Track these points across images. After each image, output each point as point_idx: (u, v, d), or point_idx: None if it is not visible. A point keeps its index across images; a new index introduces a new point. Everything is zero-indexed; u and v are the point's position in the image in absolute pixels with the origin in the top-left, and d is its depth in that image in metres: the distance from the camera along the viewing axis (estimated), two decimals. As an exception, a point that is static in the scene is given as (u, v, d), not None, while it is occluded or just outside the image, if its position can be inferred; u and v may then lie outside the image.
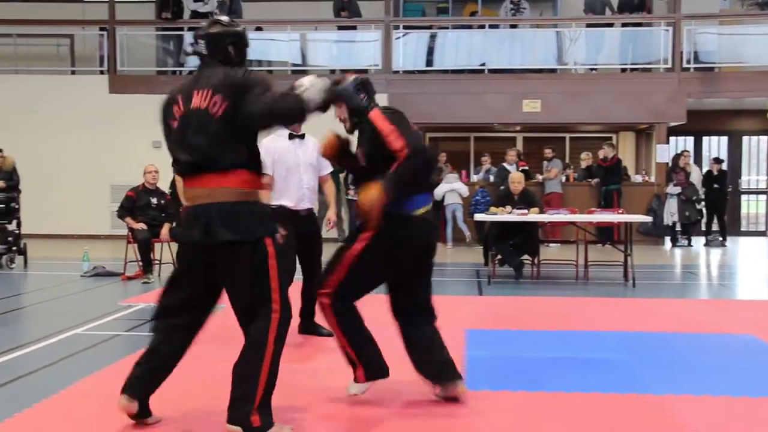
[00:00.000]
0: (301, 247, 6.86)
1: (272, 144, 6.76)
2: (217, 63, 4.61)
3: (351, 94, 5.20)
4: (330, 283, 5.19)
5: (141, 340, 7.14)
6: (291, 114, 4.64)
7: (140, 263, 11.37)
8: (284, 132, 6.80)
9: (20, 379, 6.00)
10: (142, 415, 4.71)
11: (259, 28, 19.17)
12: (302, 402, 5.25)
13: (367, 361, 5.30)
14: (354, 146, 5.50)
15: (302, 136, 7.01)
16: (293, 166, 6.86)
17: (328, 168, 7.23)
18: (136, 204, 11.43)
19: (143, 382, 4.68)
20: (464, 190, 16.51)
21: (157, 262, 11.67)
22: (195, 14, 18.96)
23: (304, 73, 18.35)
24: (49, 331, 7.76)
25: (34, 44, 19.32)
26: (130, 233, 11.38)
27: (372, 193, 4.82)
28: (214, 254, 4.49)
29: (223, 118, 4.42)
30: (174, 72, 18.83)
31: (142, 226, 11.23)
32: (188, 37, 18.72)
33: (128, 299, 9.62)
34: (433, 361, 5.32)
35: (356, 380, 5.32)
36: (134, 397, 4.63)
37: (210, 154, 4.45)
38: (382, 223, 4.92)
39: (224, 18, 4.89)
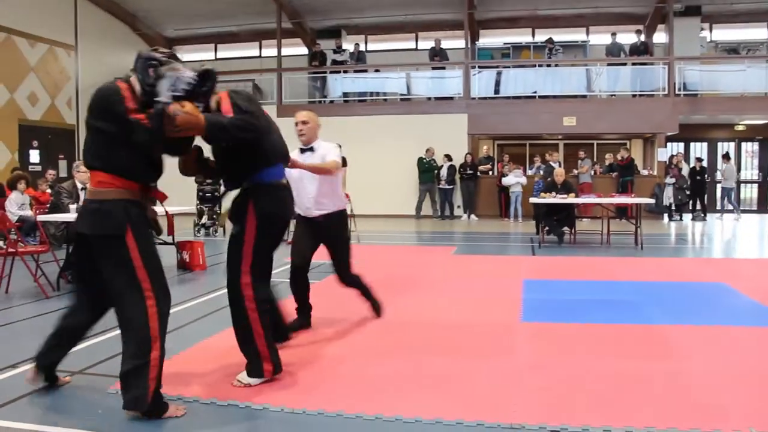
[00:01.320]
0: (327, 248, 5.36)
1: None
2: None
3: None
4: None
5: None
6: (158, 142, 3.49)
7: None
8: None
9: (226, 308, 5.80)
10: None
11: (377, 70, 19.29)
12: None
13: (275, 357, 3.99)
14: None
15: (311, 149, 5.28)
16: (297, 178, 5.11)
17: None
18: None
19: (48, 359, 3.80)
20: (524, 181, 16.43)
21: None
22: (334, 62, 19.21)
23: (408, 99, 18.48)
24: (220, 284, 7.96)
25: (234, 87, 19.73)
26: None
27: (195, 111, 3.42)
28: None
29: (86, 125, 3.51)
30: (320, 101, 19.05)
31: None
32: (330, 78, 18.99)
33: (289, 258, 9.76)
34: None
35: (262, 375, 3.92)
36: (42, 369, 3.82)
37: (85, 156, 3.58)
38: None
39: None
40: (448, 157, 17.13)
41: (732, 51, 19.19)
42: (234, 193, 4.03)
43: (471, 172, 17.07)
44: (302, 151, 5.29)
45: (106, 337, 5.02)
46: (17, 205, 10.17)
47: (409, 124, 17.49)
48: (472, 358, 4.50)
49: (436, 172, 17.24)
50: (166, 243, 8.87)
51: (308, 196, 5.24)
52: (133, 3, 19.61)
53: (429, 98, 18.62)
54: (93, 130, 3.46)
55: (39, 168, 15.38)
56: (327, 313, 5.83)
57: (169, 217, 4.04)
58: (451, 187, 17.23)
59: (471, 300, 6.48)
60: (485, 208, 17.35)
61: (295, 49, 20.34)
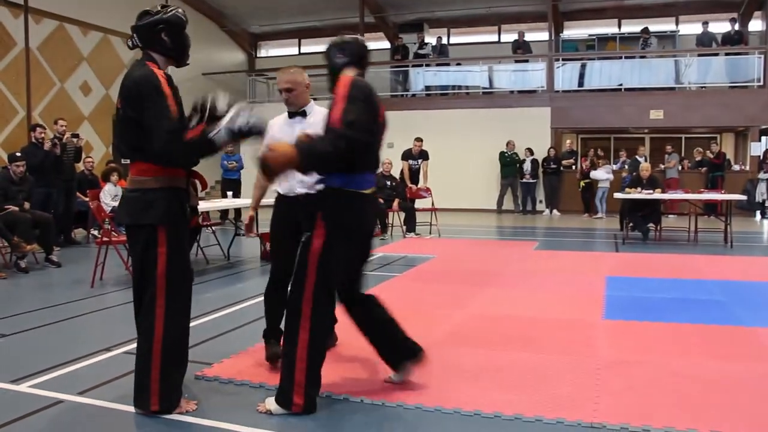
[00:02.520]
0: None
1: (273, 122, 4.29)
2: (149, 55, 3.39)
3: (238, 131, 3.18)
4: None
5: (381, 278, 7.39)
6: (188, 161, 3.38)
7: (378, 226, 11.70)
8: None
9: None
10: None
11: (459, 63, 19.20)
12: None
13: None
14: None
15: (303, 113, 4.35)
16: None
17: None
18: (377, 185, 11.71)
19: None
20: (611, 176, 16.07)
21: (390, 225, 11.92)
22: (416, 55, 19.24)
23: (491, 93, 18.32)
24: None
25: (316, 81, 19.88)
26: (372, 205, 11.69)
27: (283, 147, 3.16)
28: None
29: (121, 115, 3.32)
30: (402, 95, 19.10)
31: (380, 199, 11.54)
32: (412, 72, 19.02)
33: (371, 250, 9.88)
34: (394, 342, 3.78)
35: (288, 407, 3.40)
36: None
37: (120, 147, 3.51)
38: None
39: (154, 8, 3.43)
40: (530, 151, 16.93)
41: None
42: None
43: (554, 166, 16.81)
44: (291, 115, 4.34)
45: (190, 325, 5.21)
46: (111, 196, 10.62)
47: (492, 118, 17.35)
48: (553, 354, 4.46)
49: (517, 166, 17.07)
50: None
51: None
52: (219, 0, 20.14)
53: (512, 91, 18.42)
54: (130, 120, 3.23)
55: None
56: (401, 306, 5.88)
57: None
58: (534, 181, 17.05)
59: (552, 296, 6.41)
60: (568, 204, 17.02)
61: (378, 43, 20.43)
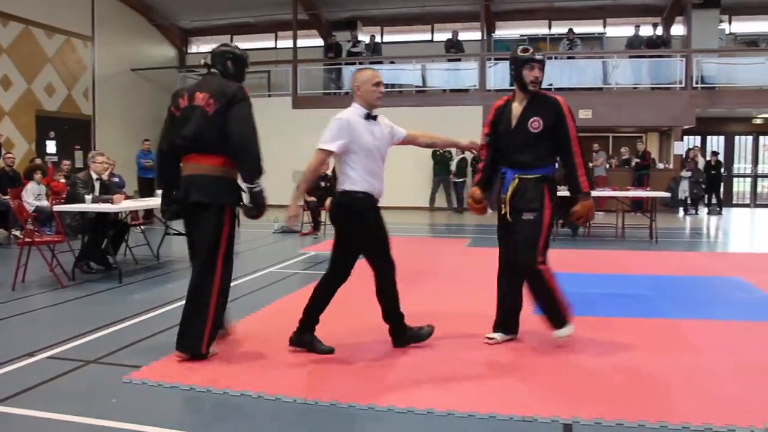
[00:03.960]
0: None
1: (354, 121, 4.41)
2: (217, 74, 4.38)
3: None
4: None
5: (313, 276, 7.33)
6: (252, 160, 4.21)
7: (311, 224, 11.63)
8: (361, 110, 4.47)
9: (241, 298, 6.23)
10: None
11: (392, 62, 19.25)
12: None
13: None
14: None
15: (375, 117, 4.63)
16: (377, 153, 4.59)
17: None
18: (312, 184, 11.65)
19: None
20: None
21: (323, 223, 11.86)
22: (350, 54, 19.21)
23: (424, 92, 18.42)
24: (254, 268, 8.03)
25: (247, 78, 19.62)
26: (305, 203, 11.62)
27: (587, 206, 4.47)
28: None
29: (214, 114, 4.15)
30: (335, 93, 19.05)
31: (313, 199, 11.46)
32: (345, 70, 18.97)
33: (303, 249, 9.85)
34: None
35: (566, 324, 4.52)
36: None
37: (200, 138, 4.18)
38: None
39: (229, 44, 4.65)
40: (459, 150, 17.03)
41: (751, 44, 18.98)
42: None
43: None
44: (367, 117, 4.49)
45: (118, 328, 5.07)
46: (34, 196, 10.25)
47: (424, 117, 17.32)
48: (484, 349, 4.50)
49: (448, 164, 17.20)
50: (180, 234, 8.94)
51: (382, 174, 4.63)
52: (149, -6, 19.70)
53: (444, 90, 18.57)
54: (217, 119, 4.13)
55: (56, 158, 15.47)
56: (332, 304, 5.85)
57: None
58: (462, 179, 17.17)
59: (485, 292, 6.42)
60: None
61: (311, 40, 20.33)
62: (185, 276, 7.61)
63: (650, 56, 17.60)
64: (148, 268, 8.17)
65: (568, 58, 18.12)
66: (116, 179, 11.83)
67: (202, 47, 22.36)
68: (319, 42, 20.38)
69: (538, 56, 4.56)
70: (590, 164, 16.76)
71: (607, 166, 17.14)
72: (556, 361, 4.22)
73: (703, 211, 16.93)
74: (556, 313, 4.53)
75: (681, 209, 16.67)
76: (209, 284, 4.14)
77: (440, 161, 17.12)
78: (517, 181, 4.56)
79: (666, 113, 16.81)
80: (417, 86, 18.67)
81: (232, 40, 21.79)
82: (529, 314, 5.47)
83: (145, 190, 11.11)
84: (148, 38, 20.54)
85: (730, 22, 19.28)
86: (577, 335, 4.85)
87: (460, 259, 8.79)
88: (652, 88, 17.50)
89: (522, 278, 4.59)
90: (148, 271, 7.92)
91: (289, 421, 3.33)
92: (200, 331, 4.12)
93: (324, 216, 11.91)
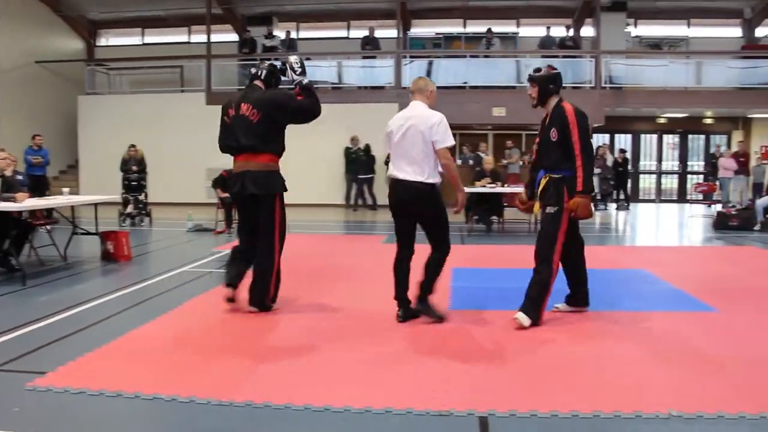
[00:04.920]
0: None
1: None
2: (258, 86, 5.55)
3: None
4: None
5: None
6: (319, 106, 5.50)
7: (226, 222, 11.45)
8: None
9: (153, 298, 6.12)
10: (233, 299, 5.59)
11: (308, 58, 19.14)
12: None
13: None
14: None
15: None
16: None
17: None
18: (227, 182, 11.45)
19: (236, 279, 5.60)
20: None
21: (236, 221, 11.66)
22: (265, 48, 18.98)
23: (340, 88, 18.40)
24: (167, 267, 7.84)
25: (159, 73, 19.45)
26: (219, 201, 11.43)
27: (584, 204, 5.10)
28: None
29: (258, 122, 5.28)
30: (251, 89, 18.83)
31: (227, 195, 11.29)
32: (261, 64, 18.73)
33: (218, 247, 9.68)
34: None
35: (534, 319, 5.04)
36: (232, 286, 5.58)
37: (248, 142, 5.32)
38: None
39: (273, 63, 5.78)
40: (367, 148, 17.02)
41: (655, 46, 19.84)
42: None
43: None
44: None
45: (21, 332, 4.87)
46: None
47: (340, 113, 17.29)
48: (400, 345, 4.53)
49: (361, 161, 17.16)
50: (89, 233, 8.64)
51: None
52: (54, -17, 18.96)
53: (360, 87, 18.59)
54: (274, 122, 5.34)
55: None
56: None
57: None
58: (370, 176, 17.09)
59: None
60: None
61: (225, 35, 20.00)
62: (95, 276, 7.42)
63: (562, 56, 18.11)
64: (55, 269, 7.85)
65: (484, 56, 18.44)
66: (20, 177, 11.32)
67: (111, 40, 21.70)
68: (234, 37, 20.08)
69: (531, 75, 5.44)
70: (504, 161, 17.11)
71: (521, 163, 17.51)
72: (472, 355, 4.28)
73: (612, 206, 17.53)
74: (535, 305, 5.09)
75: (591, 205, 17.20)
76: (270, 256, 5.38)
77: (353, 159, 17.11)
78: (545, 180, 5.25)
79: (576, 112, 17.29)
80: (333, 83, 18.64)
81: (143, 34, 21.28)
82: (445, 310, 5.55)
83: (33, 188, 10.52)
84: (54, 30, 19.77)
85: (635, 26, 20.08)
86: (494, 329, 4.94)
87: (376, 256, 8.81)
88: (564, 87, 17.98)
89: (581, 253, 5.54)
90: (55, 273, 7.61)
91: (203, 423, 3.26)
92: (266, 289, 5.42)
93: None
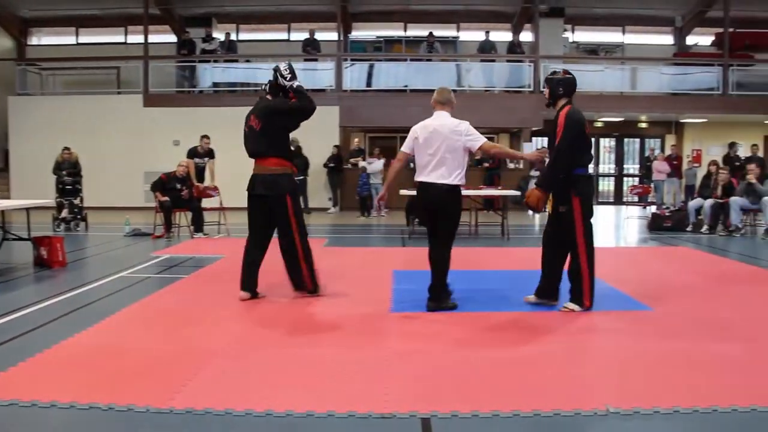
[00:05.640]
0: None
1: None
2: (268, 97, 6.11)
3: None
4: None
5: (167, 281, 7.12)
6: (312, 105, 6.14)
7: (164, 226, 11.26)
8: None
9: (89, 305, 5.98)
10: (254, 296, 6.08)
11: (248, 60, 19.02)
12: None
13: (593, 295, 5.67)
14: None
15: None
16: None
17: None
18: (166, 185, 11.29)
19: (252, 284, 6.07)
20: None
21: (176, 225, 11.52)
22: (203, 51, 18.75)
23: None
24: (103, 273, 7.66)
25: (94, 74, 19.02)
26: (158, 205, 11.24)
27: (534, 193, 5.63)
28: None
29: (261, 129, 5.94)
30: (188, 92, 18.54)
31: (166, 199, 11.12)
32: (199, 67, 18.51)
33: (156, 252, 9.50)
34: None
35: (581, 305, 5.62)
36: (249, 291, 6.02)
37: (257, 149, 6.02)
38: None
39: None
40: (298, 149, 16.58)
41: (592, 52, 20.32)
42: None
43: (333, 165, 16.92)
44: None
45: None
46: None
47: (282, 116, 17.25)
48: (342, 349, 4.53)
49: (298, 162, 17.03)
50: (21, 239, 8.39)
51: None
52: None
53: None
54: (279, 128, 6.02)
55: None
56: (194, 304, 5.73)
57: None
58: (302, 177, 16.42)
59: (342, 291, 6.52)
60: (352, 201, 17.17)
61: (163, 36, 19.67)
62: (28, 283, 7.22)
63: (508, 60, 18.42)
64: (-17, 276, 7.61)
65: (427, 60, 18.58)
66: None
67: (44, 39, 21.11)
68: (172, 38, 19.75)
69: (547, 76, 5.98)
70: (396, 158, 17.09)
71: (462, 166, 17.65)
72: (414, 357, 4.31)
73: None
74: (578, 292, 5.65)
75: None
76: (294, 247, 5.98)
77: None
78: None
79: (516, 115, 17.62)
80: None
81: (77, 33, 20.76)
82: (387, 313, 5.58)
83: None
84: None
85: (573, 31, 20.54)
86: (435, 331, 4.99)
87: (319, 260, 8.77)
88: (504, 92, 18.30)
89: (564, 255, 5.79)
90: (-17, 280, 7.37)
91: None
92: (301, 276, 6.08)
93: (179, 217, 11.59)
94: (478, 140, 5.79)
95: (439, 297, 5.76)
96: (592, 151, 6.01)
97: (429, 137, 5.76)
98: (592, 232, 5.69)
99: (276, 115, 5.95)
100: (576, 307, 5.63)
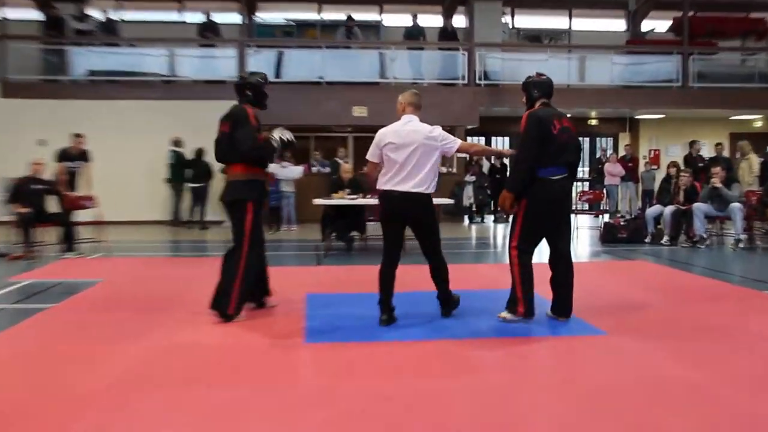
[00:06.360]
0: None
1: None
2: (241, 100, 6.64)
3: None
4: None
5: (28, 312, 6.81)
6: (261, 157, 6.49)
7: (24, 244, 10.83)
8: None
9: None
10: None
11: (132, 45, 18.63)
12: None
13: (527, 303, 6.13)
14: None
15: None
16: None
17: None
18: (21, 191, 10.89)
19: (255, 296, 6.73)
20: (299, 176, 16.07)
21: (38, 243, 11.06)
22: (77, 32, 18.27)
23: (172, 82, 17.94)
24: (-53, 302, 7.31)
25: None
26: (17, 219, 10.82)
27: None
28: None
29: (225, 136, 6.42)
30: (57, 80, 17.98)
31: (28, 210, 10.73)
32: (71, 51, 18.01)
33: (14, 276, 9.10)
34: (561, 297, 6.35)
35: (515, 313, 6.15)
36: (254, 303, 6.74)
37: (221, 156, 6.58)
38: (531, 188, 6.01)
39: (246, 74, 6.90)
40: (199, 152, 16.12)
41: (534, 39, 20.76)
42: None
43: None
44: None
45: None
46: None
47: (173, 112, 16.90)
48: (246, 387, 4.43)
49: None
50: None
51: None
52: None
53: (197, 81, 18.26)
54: (228, 136, 6.36)
55: None
56: (63, 340, 5.51)
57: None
58: (201, 185, 16.25)
59: (247, 319, 6.40)
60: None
61: (24, 11, 19.07)
62: None
63: (438, 48, 18.59)
64: None
65: (345, 47, 18.59)
66: None
67: None
68: (36, 15, 19.15)
69: (523, 81, 6.62)
70: (366, 169, 17.11)
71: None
72: (334, 397, 4.24)
73: (490, 218, 18.08)
74: (513, 297, 6.22)
75: (466, 217, 17.67)
76: (238, 264, 6.29)
77: (178, 164, 16.30)
78: None
79: (448, 111, 17.71)
80: (163, 75, 18.13)
81: None
82: (301, 344, 5.50)
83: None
84: None
85: (513, 16, 20.94)
86: (357, 364, 4.93)
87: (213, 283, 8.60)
88: (434, 84, 18.44)
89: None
90: None
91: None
92: (228, 299, 6.27)
93: (44, 234, 11.19)
94: (455, 143, 6.35)
95: (449, 301, 6.59)
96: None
97: (402, 144, 6.13)
98: (530, 239, 6.22)
99: (233, 127, 6.37)
100: (509, 316, 6.19)
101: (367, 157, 6.42)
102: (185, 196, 16.54)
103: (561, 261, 6.34)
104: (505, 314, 6.23)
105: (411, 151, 6.10)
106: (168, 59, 18.25)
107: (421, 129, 6.29)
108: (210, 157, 15.93)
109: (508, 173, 18.53)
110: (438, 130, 6.33)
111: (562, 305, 6.35)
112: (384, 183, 6.23)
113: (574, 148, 6.28)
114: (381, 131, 6.34)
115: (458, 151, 6.44)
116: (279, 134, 6.49)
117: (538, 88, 6.40)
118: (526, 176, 6.02)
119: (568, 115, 6.66)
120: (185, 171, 16.33)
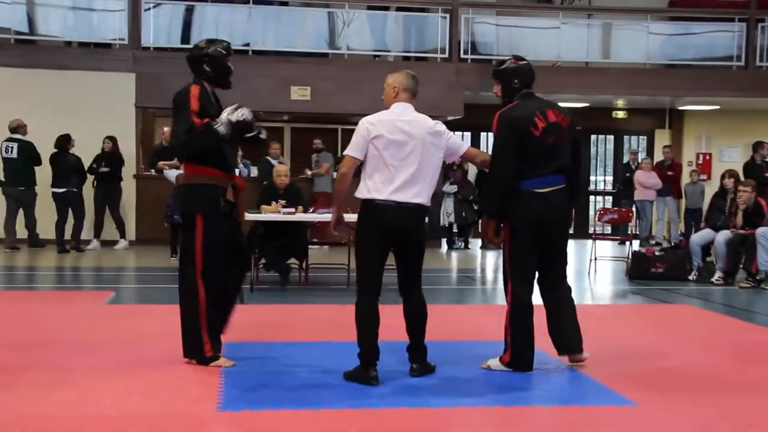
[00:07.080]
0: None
1: None
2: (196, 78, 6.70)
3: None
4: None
5: None
6: (192, 150, 6.45)
7: None
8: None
9: None
10: None
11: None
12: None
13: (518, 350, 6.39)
14: None
15: None
16: None
17: None
18: None
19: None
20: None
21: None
22: None
23: (33, 43, 17.73)
24: None
25: None
26: None
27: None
28: None
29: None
30: None
31: None
32: None
33: None
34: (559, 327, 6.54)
35: (500, 360, 6.49)
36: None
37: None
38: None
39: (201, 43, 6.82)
40: (63, 140, 15.56)
41: (542, 0, 20.65)
42: None
43: (107, 169, 15.98)
44: None
45: None
46: None
47: (35, 85, 16.68)
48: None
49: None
50: None
51: None
52: None
53: (69, 43, 18.12)
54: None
55: None
56: None
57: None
58: (66, 189, 15.88)
59: (138, 378, 6.36)
60: (155, 230, 16.41)
61: None
62: None
63: (399, 9, 18.60)
64: None
65: (280, 4, 18.53)
66: None
67: None
68: None
69: (494, 69, 6.89)
70: (308, 172, 17.00)
71: (335, 175, 17.52)
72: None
73: (476, 243, 18.00)
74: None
75: (444, 241, 17.60)
76: (194, 294, 6.45)
77: (28, 161, 15.72)
78: None
79: (421, 97, 17.44)
80: (21, 33, 17.89)
81: None
82: (214, 413, 5.50)
83: None
84: None
85: (513, -34, 20.98)
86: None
87: (104, 327, 8.56)
88: (404, 59, 18.38)
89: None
90: None
91: None
92: (196, 338, 6.50)
93: None
94: (463, 145, 6.64)
95: (425, 358, 6.55)
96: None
97: (398, 139, 6.10)
98: (521, 269, 6.42)
99: (173, 111, 6.57)
100: (495, 364, 6.55)
101: (348, 151, 6.23)
102: (41, 203, 16.10)
103: (553, 288, 6.56)
104: (491, 362, 6.53)
105: (410, 150, 6.07)
106: (26, 10, 18.06)
107: (423, 121, 6.28)
108: (82, 149, 15.73)
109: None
110: (440, 126, 6.35)
111: (568, 336, 6.50)
112: (371, 190, 6.12)
113: (569, 147, 6.39)
114: (367, 119, 6.26)
115: (464, 157, 6.63)
116: (227, 115, 6.34)
117: (520, 76, 6.52)
118: (503, 194, 6.22)
119: (560, 105, 6.75)
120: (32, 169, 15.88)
